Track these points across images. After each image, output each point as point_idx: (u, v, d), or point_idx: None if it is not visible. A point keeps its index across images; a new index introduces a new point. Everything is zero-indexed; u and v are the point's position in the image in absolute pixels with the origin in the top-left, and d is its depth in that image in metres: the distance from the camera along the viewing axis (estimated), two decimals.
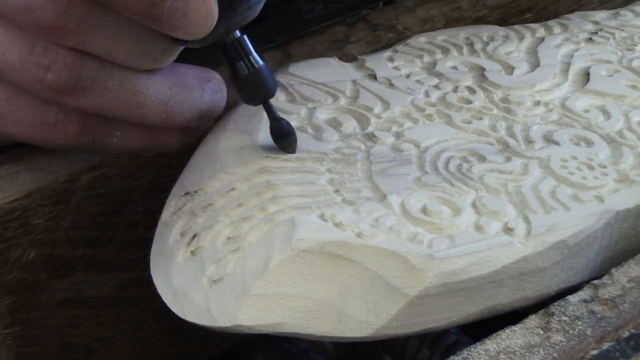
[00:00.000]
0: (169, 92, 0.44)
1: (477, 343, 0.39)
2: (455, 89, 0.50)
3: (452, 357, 0.38)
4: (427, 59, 0.52)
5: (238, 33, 0.42)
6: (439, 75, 0.51)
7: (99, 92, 0.43)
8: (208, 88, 0.47)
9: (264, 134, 0.44)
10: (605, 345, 0.38)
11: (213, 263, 0.40)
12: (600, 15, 0.58)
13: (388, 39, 0.57)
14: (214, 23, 0.41)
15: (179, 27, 0.41)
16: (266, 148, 0.43)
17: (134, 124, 0.45)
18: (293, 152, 0.44)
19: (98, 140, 0.45)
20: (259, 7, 0.42)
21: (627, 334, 0.39)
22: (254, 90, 0.43)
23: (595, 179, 0.44)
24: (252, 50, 0.43)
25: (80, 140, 0.45)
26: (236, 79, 0.43)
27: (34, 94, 0.44)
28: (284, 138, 0.43)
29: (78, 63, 0.42)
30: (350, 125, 0.46)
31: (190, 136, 0.47)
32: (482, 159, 0.45)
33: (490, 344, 0.38)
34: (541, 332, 0.39)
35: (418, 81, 0.50)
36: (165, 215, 0.44)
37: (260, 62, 0.43)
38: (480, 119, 0.48)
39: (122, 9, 0.40)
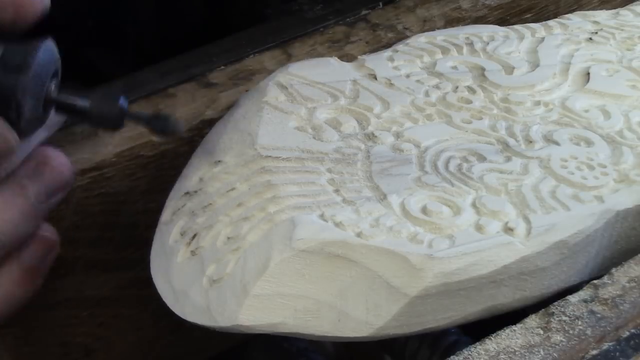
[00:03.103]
0: None
1: (477, 343, 0.39)
2: (455, 89, 0.50)
3: (452, 357, 0.38)
4: (427, 59, 0.52)
5: (54, 88, 0.41)
6: (439, 75, 0.51)
7: None
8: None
9: (264, 134, 0.44)
10: (605, 345, 0.38)
11: (213, 263, 0.40)
12: (600, 15, 0.58)
13: (388, 39, 0.57)
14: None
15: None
16: (266, 148, 0.43)
17: None
18: (176, 130, 0.43)
19: None
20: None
21: (627, 334, 0.39)
22: (103, 121, 0.42)
23: (595, 179, 0.44)
24: (73, 97, 0.41)
25: None
26: (86, 118, 0.42)
27: None
28: (164, 126, 0.43)
29: None
30: (350, 125, 0.46)
31: None
32: (482, 158, 0.45)
33: (490, 344, 0.38)
34: (541, 332, 0.39)
35: (418, 81, 0.50)
36: (165, 215, 0.44)
37: (85, 102, 0.41)
38: (480, 118, 0.48)
39: None
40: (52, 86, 0.41)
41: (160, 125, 0.43)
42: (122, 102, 0.42)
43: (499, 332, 0.39)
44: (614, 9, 0.60)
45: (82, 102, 0.42)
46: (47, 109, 0.41)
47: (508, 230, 0.41)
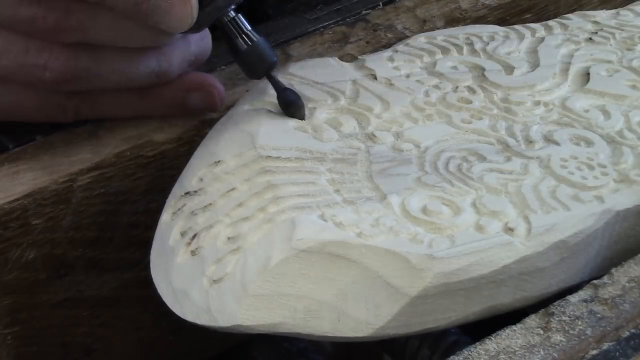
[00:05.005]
0: (156, 62, 0.48)
1: (477, 343, 0.39)
2: (455, 89, 0.50)
3: (452, 357, 0.38)
4: (427, 59, 0.52)
5: (232, 13, 0.45)
6: (439, 75, 0.51)
7: (93, 78, 0.47)
8: (193, 39, 0.49)
9: (264, 134, 0.44)
10: (605, 345, 0.38)
11: (213, 263, 0.40)
12: (600, 15, 0.58)
13: (388, 39, 0.57)
14: (194, 19, 0.44)
15: (162, 23, 0.44)
16: (266, 148, 0.43)
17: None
18: (302, 118, 0.46)
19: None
20: None
21: (627, 334, 0.39)
22: (254, 63, 0.46)
23: (595, 179, 0.44)
24: (249, 27, 0.46)
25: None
26: (237, 56, 0.46)
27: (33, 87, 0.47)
28: (290, 106, 0.46)
29: (73, 58, 0.46)
30: (350, 125, 0.46)
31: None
32: (482, 158, 0.45)
33: (490, 344, 0.38)
34: (541, 332, 0.39)
35: (418, 81, 0.50)
36: (165, 215, 0.44)
37: (258, 37, 0.46)
38: (480, 119, 0.48)
39: (113, 7, 0.43)
40: (231, 10, 0.45)
41: (286, 104, 0.46)
42: (271, 58, 0.46)
43: (499, 332, 0.39)
44: (614, 9, 0.60)
45: (240, 43, 0.46)
46: (215, 25, 0.46)
47: (508, 230, 0.41)
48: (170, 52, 0.48)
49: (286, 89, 0.46)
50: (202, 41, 0.50)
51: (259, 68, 0.46)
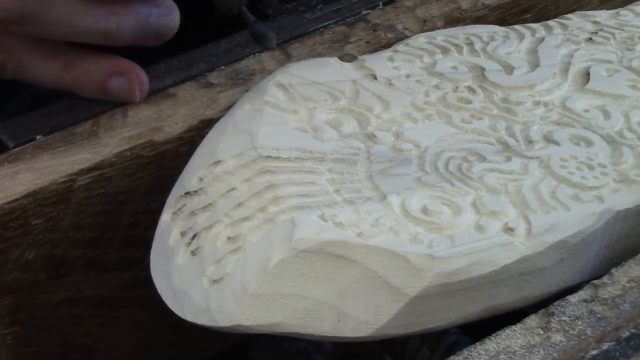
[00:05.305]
0: (105, 21, 0.48)
1: (477, 343, 0.39)
2: (455, 89, 0.50)
3: (452, 357, 0.38)
4: (427, 59, 0.52)
5: None
6: (439, 75, 0.51)
7: (39, 24, 0.47)
8: (155, 11, 0.49)
9: (264, 134, 0.44)
10: (605, 345, 0.38)
11: (213, 263, 0.40)
12: (601, 15, 0.58)
13: (388, 39, 0.57)
14: None
15: None
16: (266, 148, 0.43)
17: None
18: (273, 48, 0.48)
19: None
20: None
21: (627, 334, 0.39)
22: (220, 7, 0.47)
23: (595, 179, 0.44)
24: None
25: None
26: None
27: None
28: (260, 37, 0.47)
29: (20, 2, 0.46)
30: (350, 125, 0.46)
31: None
32: (482, 158, 0.45)
33: (490, 344, 0.38)
34: (541, 332, 0.39)
35: (418, 81, 0.50)
36: (165, 215, 0.44)
37: None
38: (481, 119, 0.48)
39: None
40: None
41: (256, 36, 0.47)
42: None
43: (499, 332, 0.39)
44: (614, 9, 0.60)
45: None
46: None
47: (508, 230, 0.41)
48: (123, 14, 0.48)
49: (257, 21, 0.47)
50: (166, 17, 0.50)
51: (230, 1, 0.47)
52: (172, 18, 0.50)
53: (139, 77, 0.50)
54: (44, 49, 0.50)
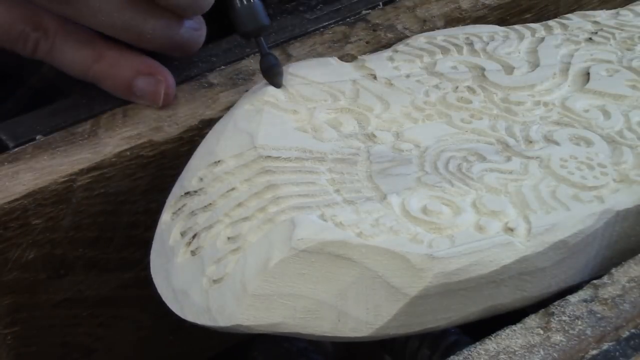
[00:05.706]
0: (143, 22, 0.48)
1: (477, 343, 0.39)
2: (455, 89, 0.50)
3: (452, 357, 0.38)
4: (427, 59, 0.52)
5: None
6: (439, 75, 0.51)
7: (81, 6, 0.47)
8: (188, 24, 0.50)
9: (264, 134, 0.44)
10: (605, 345, 0.38)
11: (213, 263, 0.40)
12: (601, 15, 0.58)
13: (388, 39, 0.57)
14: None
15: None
16: (266, 148, 0.43)
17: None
18: (278, 85, 0.47)
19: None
20: None
21: (627, 334, 0.39)
22: (248, 21, 0.48)
23: (595, 179, 0.44)
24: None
25: None
26: (232, 12, 0.48)
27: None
28: (268, 69, 0.47)
29: None
30: (350, 125, 0.46)
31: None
32: (482, 158, 0.45)
33: (490, 344, 0.38)
34: (541, 332, 0.39)
35: (418, 81, 0.50)
36: (165, 215, 0.44)
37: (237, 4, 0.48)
38: (480, 119, 0.48)
39: None
40: None
41: (266, 68, 0.48)
42: (264, 20, 0.48)
43: (499, 332, 0.39)
44: (614, 9, 0.60)
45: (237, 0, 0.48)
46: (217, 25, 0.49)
47: (508, 230, 0.41)
48: (160, 20, 0.49)
49: (269, 53, 0.48)
50: (195, 31, 0.51)
51: (250, 26, 0.48)
52: (200, 33, 0.51)
53: (167, 81, 0.51)
54: (80, 35, 0.50)
